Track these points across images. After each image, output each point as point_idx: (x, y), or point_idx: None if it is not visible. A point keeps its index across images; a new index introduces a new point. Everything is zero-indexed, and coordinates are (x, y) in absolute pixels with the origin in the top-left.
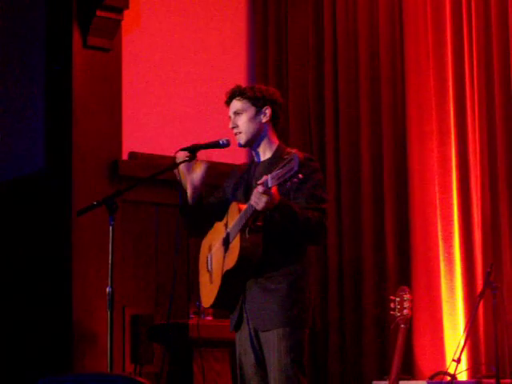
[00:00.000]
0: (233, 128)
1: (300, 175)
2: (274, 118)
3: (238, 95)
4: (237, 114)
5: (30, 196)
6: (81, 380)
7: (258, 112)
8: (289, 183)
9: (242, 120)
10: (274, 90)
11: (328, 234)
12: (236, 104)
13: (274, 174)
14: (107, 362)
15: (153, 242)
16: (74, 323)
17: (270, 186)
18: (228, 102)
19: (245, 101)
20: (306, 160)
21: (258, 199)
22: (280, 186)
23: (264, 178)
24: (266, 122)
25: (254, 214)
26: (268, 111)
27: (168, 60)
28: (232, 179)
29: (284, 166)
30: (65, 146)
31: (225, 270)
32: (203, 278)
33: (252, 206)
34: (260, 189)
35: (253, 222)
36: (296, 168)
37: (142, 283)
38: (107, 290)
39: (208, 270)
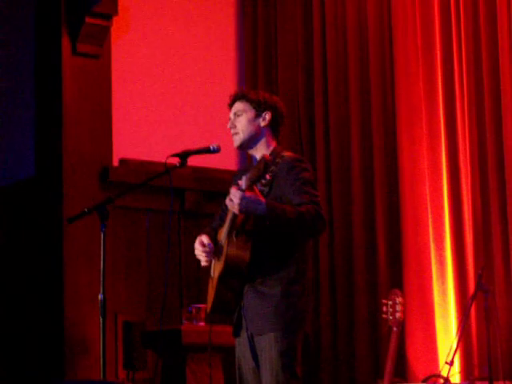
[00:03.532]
0: (230, 128)
1: (267, 176)
2: (273, 124)
3: (241, 97)
4: (237, 115)
5: (21, 203)
6: None
7: (258, 115)
8: (260, 185)
9: (240, 121)
10: (278, 99)
11: (319, 237)
12: (237, 105)
13: (246, 176)
14: (100, 368)
15: (144, 248)
16: (66, 330)
17: (243, 188)
18: (230, 105)
19: (246, 103)
20: (294, 161)
21: (229, 200)
22: (253, 185)
23: (239, 182)
24: (264, 126)
25: (236, 218)
26: (268, 116)
27: (157, 66)
28: (233, 184)
29: (254, 168)
30: (55, 152)
31: (217, 275)
32: (209, 284)
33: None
34: (232, 191)
35: (241, 226)
36: (262, 169)
37: (134, 289)
38: (99, 296)
39: (211, 276)
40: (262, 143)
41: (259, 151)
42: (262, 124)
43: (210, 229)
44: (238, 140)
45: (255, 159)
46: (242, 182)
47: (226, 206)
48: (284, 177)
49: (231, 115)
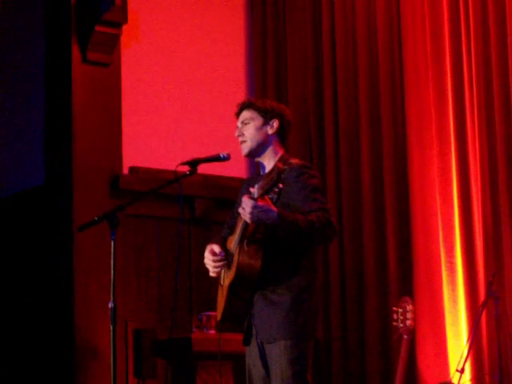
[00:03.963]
0: (238, 136)
1: (280, 185)
2: (280, 132)
3: (248, 106)
4: (244, 123)
5: (31, 211)
6: None
7: (265, 123)
8: (272, 193)
9: (248, 129)
10: (285, 107)
11: (330, 244)
12: (245, 114)
13: (258, 184)
14: (110, 376)
15: (154, 256)
16: (76, 338)
17: (255, 196)
18: (238, 114)
19: (254, 111)
20: (302, 167)
21: (242, 209)
22: (265, 194)
23: (251, 189)
24: (272, 133)
25: (247, 226)
26: (275, 124)
27: (167, 74)
28: (242, 192)
29: (267, 176)
30: (65, 160)
31: (227, 284)
32: (219, 292)
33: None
34: (244, 199)
35: (252, 235)
36: (275, 178)
37: (144, 297)
38: (109, 304)
39: (221, 285)
40: (269, 151)
41: (267, 159)
42: (270, 132)
43: (219, 237)
44: (246, 148)
45: (263, 167)
46: (254, 191)
47: (234, 215)
48: (292, 184)
49: (239, 124)
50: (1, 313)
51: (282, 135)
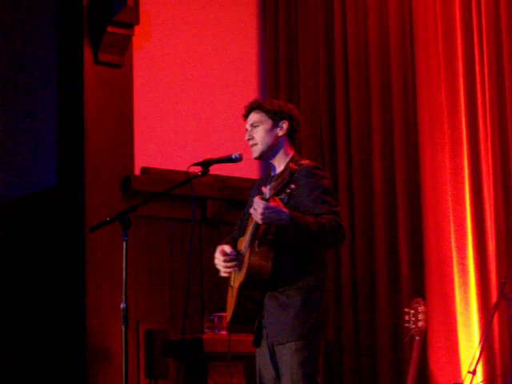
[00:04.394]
0: (248, 140)
1: (292, 185)
2: (290, 133)
3: (256, 108)
4: (254, 126)
5: (44, 212)
6: None
7: (275, 125)
8: (283, 194)
9: (258, 132)
10: (293, 107)
11: (341, 246)
12: (253, 116)
13: (270, 185)
14: (122, 377)
15: (166, 257)
16: (88, 339)
17: (267, 197)
18: (246, 116)
19: (262, 113)
20: (312, 168)
21: (254, 210)
22: (277, 195)
23: (263, 189)
24: (282, 135)
25: (259, 227)
26: (285, 125)
27: (179, 74)
28: (253, 193)
29: (278, 177)
30: (77, 161)
31: (237, 285)
32: (229, 293)
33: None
34: (256, 200)
35: (263, 236)
36: (287, 179)
37: (156, 298)
38: (121, 305)
39: (231, 286)
40: (280, 153)
41: (278, 160)
42: (280, 134)
43: (230, 238)
44: (257, 151)
45: (274, 168)
46: (266, 192)
47: (245, 216)
48: (302, 184)
49: (248, 126)
50: (12, 314)
51: (291, 136)
